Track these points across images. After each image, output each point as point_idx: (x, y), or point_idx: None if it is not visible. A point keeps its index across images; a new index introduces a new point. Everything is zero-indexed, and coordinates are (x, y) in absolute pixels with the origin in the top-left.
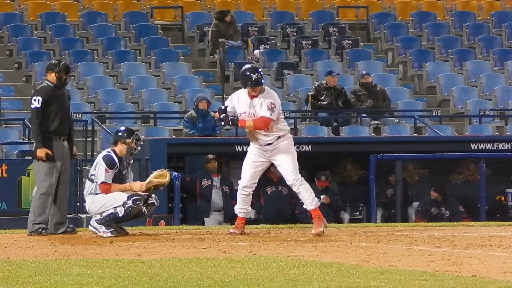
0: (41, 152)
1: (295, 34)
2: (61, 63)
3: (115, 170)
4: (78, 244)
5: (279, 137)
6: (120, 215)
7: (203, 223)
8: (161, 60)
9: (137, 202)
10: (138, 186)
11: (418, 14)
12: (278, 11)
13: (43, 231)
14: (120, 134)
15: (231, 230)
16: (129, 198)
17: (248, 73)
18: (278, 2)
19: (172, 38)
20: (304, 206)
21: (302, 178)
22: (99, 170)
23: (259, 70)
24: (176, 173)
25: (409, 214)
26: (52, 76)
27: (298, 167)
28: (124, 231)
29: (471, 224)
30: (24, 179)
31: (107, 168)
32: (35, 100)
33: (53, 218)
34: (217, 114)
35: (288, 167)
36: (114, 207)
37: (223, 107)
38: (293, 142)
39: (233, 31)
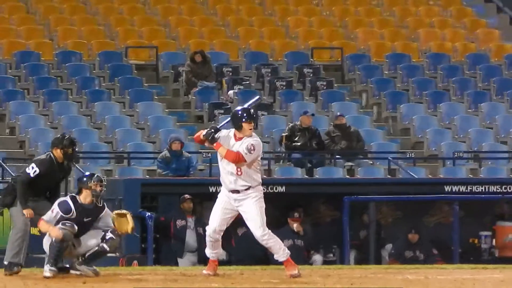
0: (27, 212)
1: (269, 74)
2: (65, 138)
3: (71, 215)
4: (51, 284)
5: (248, 188)
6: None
7: (176, 264)
8: (135, 99)
9: (64, 226)
10: (55, 232)
11: (393, 56)
12: (253, 51)
13: (15, 268)
14: (82, 180)
15: (204, 272)
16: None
17: (240, 112)
18: (253, 42)
19: (146, 78)
20: (275, 258)
21: (269, 231)
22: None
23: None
24: (149, 213)
25: (383, 256)
26: (58, 152)
27: (265, 220)
28: (65, 270)
29: (445, 266)
30: None
31: (56, 209)
32: (33, 168)
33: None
34: (201, 132)
35: (255, 221)
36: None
37: (218, 127)
38: (263, 195)
39: (208, 71)
